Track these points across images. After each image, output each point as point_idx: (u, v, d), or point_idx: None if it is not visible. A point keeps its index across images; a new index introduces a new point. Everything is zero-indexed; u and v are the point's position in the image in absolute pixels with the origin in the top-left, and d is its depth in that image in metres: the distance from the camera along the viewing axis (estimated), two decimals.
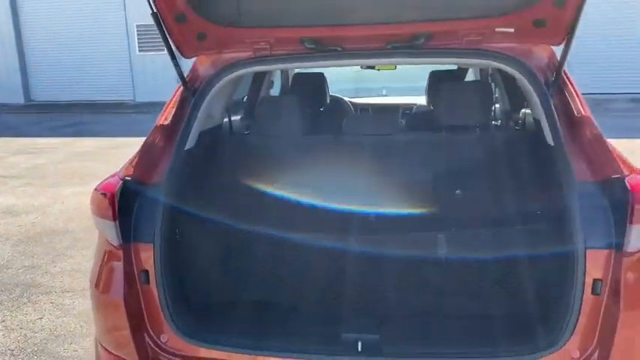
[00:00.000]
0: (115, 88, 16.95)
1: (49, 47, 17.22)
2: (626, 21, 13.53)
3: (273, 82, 3.69)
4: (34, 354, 3.29)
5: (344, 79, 5.06)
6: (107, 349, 1.94)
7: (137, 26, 16.26)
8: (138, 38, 16.41)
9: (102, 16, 16.60)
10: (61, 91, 17.16)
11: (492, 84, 3.29)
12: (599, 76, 13.84)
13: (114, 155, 9.19)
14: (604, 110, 12.62)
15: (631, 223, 1.61)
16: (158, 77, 16.52)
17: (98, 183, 1.90)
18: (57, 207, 6.31)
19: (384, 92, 5.23)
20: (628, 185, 1.62)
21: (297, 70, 3.57)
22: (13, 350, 3.34)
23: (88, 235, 5.28)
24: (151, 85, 16.61)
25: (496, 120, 3.24)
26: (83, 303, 3.91)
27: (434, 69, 3.36)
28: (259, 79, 3.48)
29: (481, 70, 3.60)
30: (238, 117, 3.08)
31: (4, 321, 3.70)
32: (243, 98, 3.59)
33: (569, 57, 1.92)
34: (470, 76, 4.06)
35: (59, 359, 3.22)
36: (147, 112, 15.05)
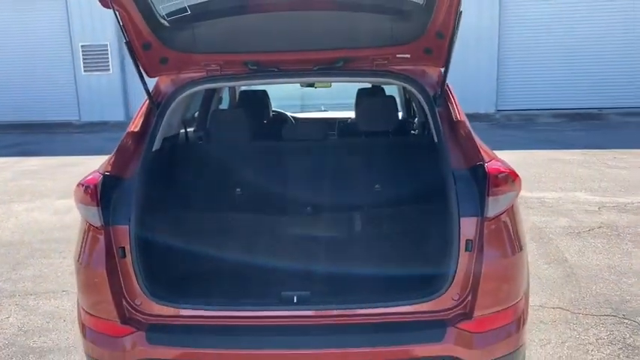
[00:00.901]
0: (60, 108, 16.84)
1: None
2: (546, 46, 14.79)
3: (221, 99, 4.18)
4: (5, 347, 3.57)
5: (291, 97, 5.84)
6: (90, 313, 2.32)
7: (82, 46, 16.30)
8: (83, 58, 16.43)
9: (46, 36, 16.55)
10: (4, 112, 16.89)
11: (409, 99, 3.92)
12: (527, 93, 15.03)
13: (63, 173, 9.30)
14: (532, 124, 13.73)
15: (488, 195, 2.15)
16: (103, 97, 16.57)
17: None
18: (11, 222, 6.48)
19: (322, 108, 5.95)
20: (486, 169, 2.18)
21: (243, 88, 4.08)
22: None
23: (44, 246, 5.52)
24: (97, 105, 16.62)
25: (414, 129, 3.83)
26: (47, 304, 4.20)
27: (360, 87, 3.96)
28: (209, 96, 3.96)
29: (403, 89, 4.23)
30: (191, 129, 3.58)
31: None
32: (194, 114, 4.06)
33: (449, 75, 2.53)
34: (394, 93, 4.69)
35: (29, 350, 3.52)
36: (92, 132, 15.09)
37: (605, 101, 14.68)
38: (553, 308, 3.84)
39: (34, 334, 3.73)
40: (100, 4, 2.23)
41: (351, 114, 4.98)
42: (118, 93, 16.56)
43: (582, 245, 5.03)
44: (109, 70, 16.41)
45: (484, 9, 14.13)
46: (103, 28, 16.01)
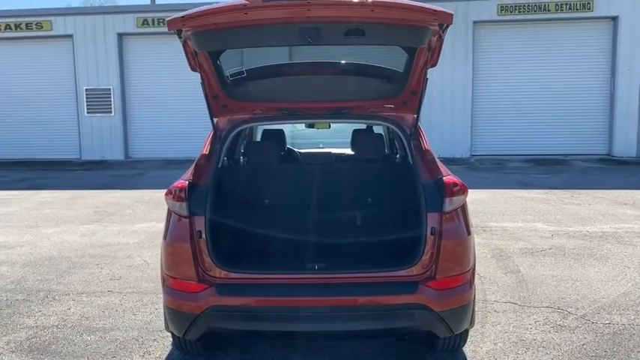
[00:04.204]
0: (62, 147, 17.75)
1: None
2: (515, 97, 16.35)
3: (246, 136, 5.34)
4: (74, 327, 4.49)
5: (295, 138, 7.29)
6: (173, 277, 3.29)
7: (86, 90, 17.41)
8: (87, 101, 17.50)
9: (53, 80, 17.63)
10: (9, 149, 17.73)
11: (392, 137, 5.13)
12: (498, 140, 16.46)
13: (78, 204, 10.20)
14: (502, 168, 15.02)
15: (445, 197, 3.25)
16: (104, 137, 17.56)
17: (170, 185, 3.41)
18: (45, 242, 7.36)
19: (321, 145, 7.18)
20: (444, 181, 3.29)
21: (265, 127, 5.25)
22: (56, 326, 4.53)
23: (82, 260, 6.43)
24: (97, 145, 17.59)
25: (393, 160, 5.00)
26: (98, 300, 5.12)
27: (355, 128, 5.18)
28: (239, 134, 5.14)
29: (385, 129, 5.44)
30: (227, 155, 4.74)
31: (40, 311, 4.86)
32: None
33: (420, 120, 3.73)
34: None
35: (95, 329, 4.44)
36: (93, 170, 15.99)
37: (570, 148, 16.13)
38: (505, 302, 4.90)
39: (95, 319, 4.66)
40: (190, 69, 3.37)
41: (343, 150, 6.17)
42: (119, 134, 17.58)
43: (534, 261, 6.13)
44: (111, 112, 17.47)
45: (459, 67, 15.78)
46: (107, 73, 17.24)
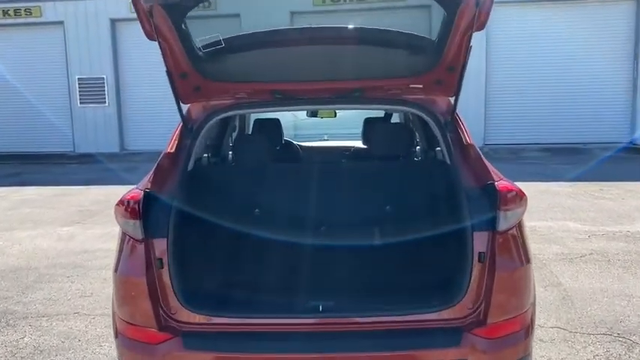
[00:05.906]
0: (55, 140, 16.95)
1: None
2: (531, 83, 15.36)
3: (236, 127, 4.41)
4: None
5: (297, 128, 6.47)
6: (126, 321, 2.44)
7: (79, 79, 16.56)
8: (79, 91, 16.67)
9: (44, 69, 16.78)
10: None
11: (413, 128, 4.17)
12: (513, 128, 15.52)
13: (62, 202, 9.39)
14: (519, 158, 14.09)
15: (499, 210, 2.34)
16: (99, 129, 16.75)
17: (122, 195, 2.50)
18: (15, 248, 6.54)
19: (325, 137, 6.24)
20: (497, 187, 2.39)
21: (257, 116, 4.32)
22: None
23: (51, 271, 5.60)
24: (91, 137, 16.78)
25: (417, 157, 4.07)
26: (60, 325, 4.28)
27: (367, 116, 4.21)
28: (224, 125, 4.18)
29: (405, 117, 4.49)
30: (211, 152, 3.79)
31: None
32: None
33: (459, 104, 2.77)
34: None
35: None
36: (87, 163, 15.20)
37: (589, 136, 15.16)
38: (552, 327, 4.01)
39: (51, 353, 3.82)
40: (146, 37, 2.45)
41: (351, 143, 5.23)
42: (114, 125, 16.77)
43: (575, 270, 5.23)
44: (105, 102, 16.65)
45: (472, 49, 14.73)
46: (100, 61, 16.35)
